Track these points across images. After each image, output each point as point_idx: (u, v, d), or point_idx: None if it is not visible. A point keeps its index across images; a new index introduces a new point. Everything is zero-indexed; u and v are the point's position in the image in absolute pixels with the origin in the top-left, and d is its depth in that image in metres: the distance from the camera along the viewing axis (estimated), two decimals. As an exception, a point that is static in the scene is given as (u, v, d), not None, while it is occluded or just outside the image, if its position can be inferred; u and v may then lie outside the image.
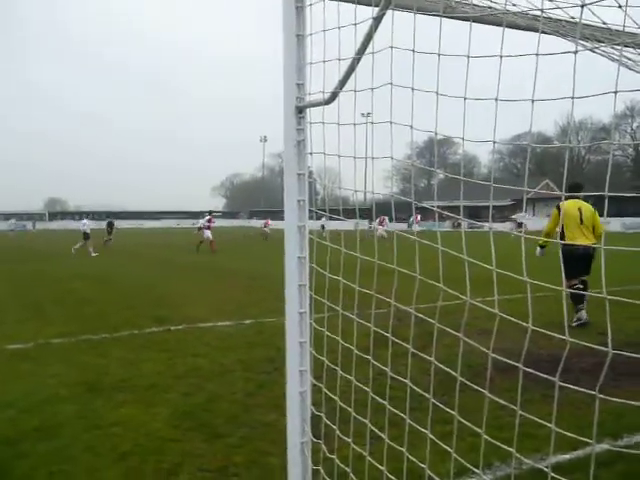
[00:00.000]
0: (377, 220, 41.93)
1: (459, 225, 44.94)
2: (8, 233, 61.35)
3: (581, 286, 10.31)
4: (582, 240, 10.19)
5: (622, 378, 6.71)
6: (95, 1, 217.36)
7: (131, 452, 5.27)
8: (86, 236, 32.93)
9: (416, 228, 41.59)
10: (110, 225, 40.94)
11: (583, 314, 10.40)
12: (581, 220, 10.46)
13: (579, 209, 10.50)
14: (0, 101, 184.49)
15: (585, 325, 10.20)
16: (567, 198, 10.75)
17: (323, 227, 39.84)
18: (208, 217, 36.00)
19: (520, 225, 49.06)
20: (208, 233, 34.63)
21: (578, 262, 10.06)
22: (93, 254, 31.41)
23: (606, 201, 1.88)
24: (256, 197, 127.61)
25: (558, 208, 10.74)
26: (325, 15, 3.04)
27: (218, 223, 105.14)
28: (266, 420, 5.93)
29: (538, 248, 10.81)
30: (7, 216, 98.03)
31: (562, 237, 10.47)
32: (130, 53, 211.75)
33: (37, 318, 12.14)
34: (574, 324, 10.35)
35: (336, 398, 3.37)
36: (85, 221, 33.80)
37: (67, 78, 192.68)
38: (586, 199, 10.76)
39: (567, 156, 2.38)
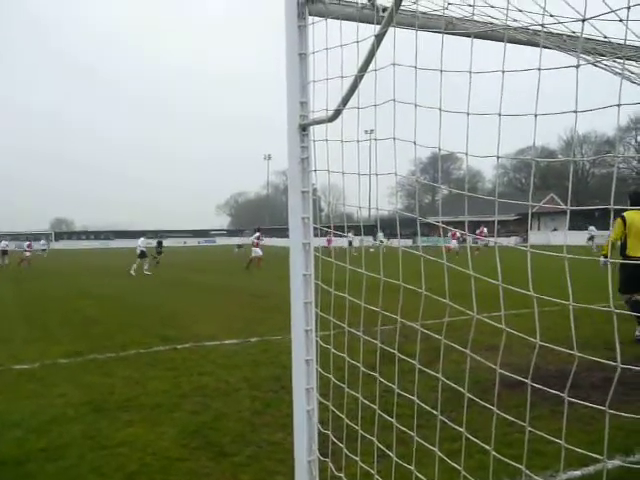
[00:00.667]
0: (450, 233, 41.83)
1: (464, 240, 44.86)
2: (40, 253, 60.52)
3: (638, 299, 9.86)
4: None
5: (632, 393, 6.65)
6: (98, 24, 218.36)
7: (138, 472, 5.25)
8: (142, 254, 32.67)
9: (454, 244, 41.12)
10: (160, 245, 40.79)
11: None
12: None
13: None
14: (3, 122, 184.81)
15: None
16: (632, 206, 10.21)
17: (350, 243, 39.33)
18: (257, 234, 34.91)
19: (592, 238, 48.70)
20: (258, 250, 33.86)
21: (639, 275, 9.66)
22: (147, 272, 31.57)
23: (612, 214, 1.87)
24: (261, 215, 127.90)
25: (622, 218, 10.12)
26: (327, 33, 3.06)
27: (222, 242, 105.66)
28: (273, 439, 5.90)
29: (602, 258, 10.52)
30: (14, 236, 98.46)
31: (624, 249, 10.06)
32: (130, 71, 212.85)
33: (44, 338, 12.14)
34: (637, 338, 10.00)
35: (343, 416, 3.35)
36: (142, 240, 33.75)
37: (72, 98, 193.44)
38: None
39: (572, 170, 2.37)
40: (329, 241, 33.42)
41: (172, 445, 5.82)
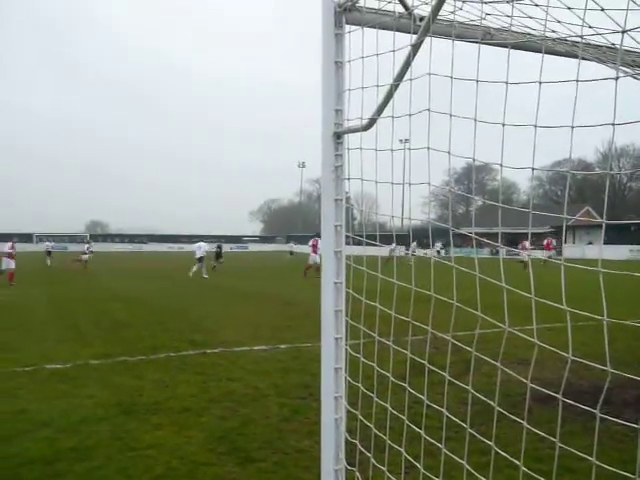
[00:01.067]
0: (520, 245, 41.14)
1: (497, 252, 44.47)
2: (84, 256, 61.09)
3: None
4: None
5: (666, 411, 6.51)
6: (127, 38, 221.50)
7: (164, 475, 5.28)
8: (201, 259, 33.08)
9: (546, 255, 40.08)
10: (220, 248, 40.91)
11: None
12: None
13: None
14: (46, 132, 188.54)
15: None
16: None
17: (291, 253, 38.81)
18: (312, 240, 33.49)
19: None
20: (315, 257, 32.06)
21: None
22: (205, 275, 31.97)
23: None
24: (293, 222, 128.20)
25: None
26: (364, 42, 3.07)
27: (254, 248, 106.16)
28: (300, 446, 5.89)
29: None
30: (49, 237, 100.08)
31: None
32: (165, 84, 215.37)
33: (76, 339, 12.30)
34: None
35: (371, 425, 3.33)
36: (201, 244, 33.87)
37: (104, 110, 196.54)
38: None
39: (607, 183, 2.34)
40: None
41: (199, 449, 5.84)
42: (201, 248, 33.53)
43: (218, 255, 39.94)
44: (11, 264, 26.43)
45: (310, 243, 34.15)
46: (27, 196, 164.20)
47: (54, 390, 8.05)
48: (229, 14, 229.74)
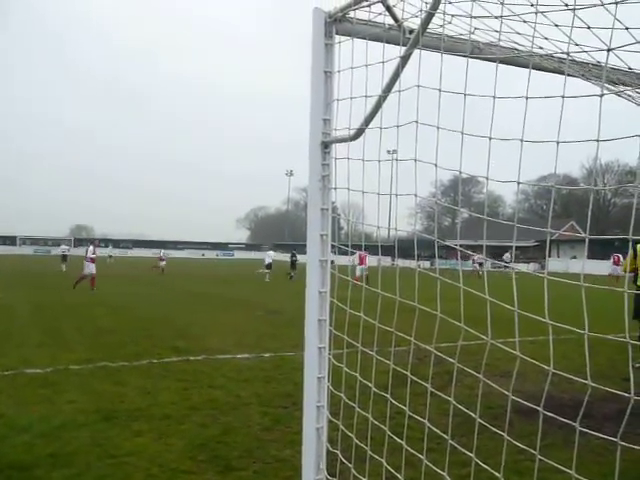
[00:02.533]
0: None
1: (482, 265, 44.75)
2: (107, 260, 60.12)
3: None
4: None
5: (646, 426, 6.55)
6: (118, 38, 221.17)
7: (144, 483, 5.24)
8: (269, 266, 36.93)
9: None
10: (294, 257, 41.09)
11: None
12: None
13: None
14: (33, 134, 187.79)
15: None
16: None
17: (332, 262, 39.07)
18: (361, 254, 32.83)
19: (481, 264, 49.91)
20: (363, 267, 31.41)
21: None
22: (267, 279, 34.90)
23: (630, 244, 1.86)
24: (280, 230, 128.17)
25: (634, 250, 10.45)
26: (353, 53, 3.09)
27: (240, 255, 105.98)
28: (281, 455, 5.87)
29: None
30: (34, 240, 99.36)
31: (636, 279, 10.44)
32: (149, 84, 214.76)
33: (56, 343, 12.20)
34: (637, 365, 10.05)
35: (352, 436, 3.33)
36: (270, 252, 36.15)
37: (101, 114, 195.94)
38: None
39: (592, 198, 2.36)
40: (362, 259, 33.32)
41: (179, 457, 5.80)
42: (270, 256, 39.08)
43: (293, 264, 40.14)
44: (92, 269, 26.33)
45: (357, 255, 34.28)
46: (7, 195, 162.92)
47: (34, 395, 7.96)
48: (227, 20, 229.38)
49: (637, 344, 1.97)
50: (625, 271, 10.58)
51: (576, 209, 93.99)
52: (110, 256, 64.65)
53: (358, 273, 32.59)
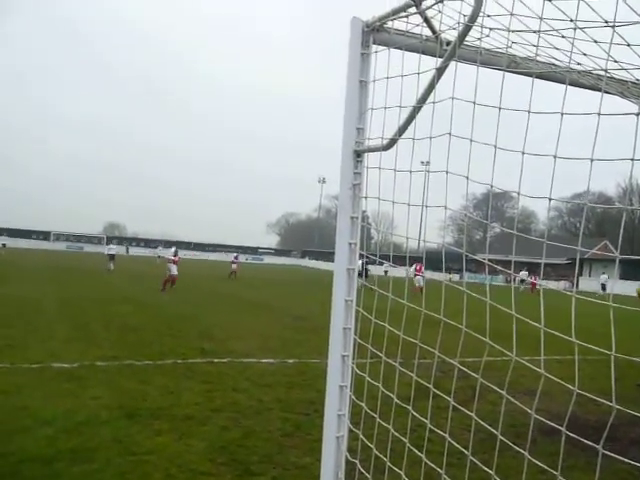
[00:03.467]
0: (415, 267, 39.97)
1: (513, 280, 44.30)
2: (156, 260, 60.04)
3: None
4: None
5: (673, 453, 6.41)
6: (165, 46, 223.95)
7: (162, 482, 5.27)
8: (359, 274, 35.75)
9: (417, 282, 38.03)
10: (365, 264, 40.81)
11: None
12: None
13: None
14: (68, 130, 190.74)
15: None
16: None
17: (386, 273, 39.54)
18: (417, 265, 32.39)
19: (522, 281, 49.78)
20: (419, 279, 31.29)
21: None
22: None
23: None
24: (310, 237, 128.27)
25: None
26: (389, 63, 3.09)
27: (269, 260, 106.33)
28: (300, 462, 5.86)
29: None
30: (67, 237, 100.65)
31: None
32: (190, 91, 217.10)
33: (84, 339, 12.35)
34: None
35: (372, 446, 3.31)
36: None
37: (135, 113, 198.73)
38: None
39: (624, 218, 2.33)
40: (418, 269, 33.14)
41: (199, 459, 5.83)
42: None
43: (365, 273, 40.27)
44: (174, 270, 27.40)
45: (414, 267, 33.85)
46: (45, 193, 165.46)
47: (59, 389, 8.07)
48: (259, 22, 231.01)
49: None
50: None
51: (610, 228, 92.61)
52: (159, 256, 62.98)
53: (418, 284, 32.49)
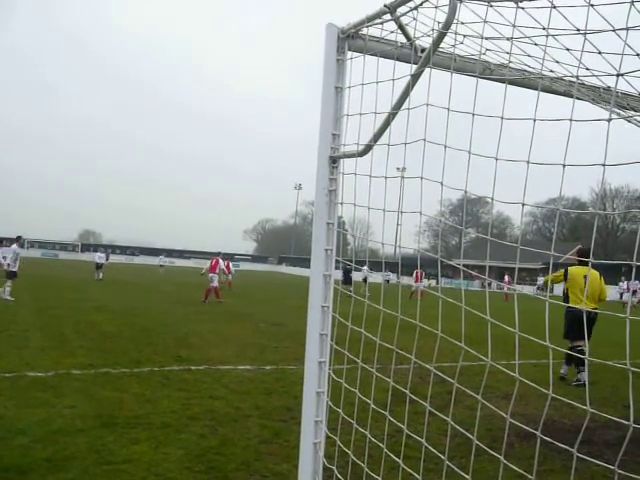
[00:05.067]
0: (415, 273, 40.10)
1: (489, 285, 44.57)
2: (158, 269, 59.63)
3: (584, 349, 10.29)
4: (584, 304, 10.33)
5: (647, 455, 6.48)
6: (167, 50, 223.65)
7: (139, 491, 5.22)
8: (365, 279, 36.58)
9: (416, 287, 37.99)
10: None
11: (584, 375, 10.49)
12: (585, 285, 10.93)
13: (584, 276, 10.96)
14: (49, 127, 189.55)
15: (583, 386, 10.19)
16: (580, 263, 11.61)
17: (365, 280, 39.76)
18: (417, 272, 32.93)
19: (634, 292, 48.96)
20: (418, 285, 33.02)
21: (580, 325, 10.16)
22: (367, 294, 33.82)
23: (634, 270, 1.85)
24: (287, 243, 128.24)
25: (566, 270, 11.39)
26: (364, 69, 3.10)
27: (246, 267, 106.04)
28: (278, 469, 5.84)
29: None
30: (42, 244, 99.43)
31: (566, 299, 11.13)
32: (181, 89, 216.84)
33: (59, 348, 12.20)
34: (574, 384, 10.45)
35: (350, 452, 3.30)
36: (365, 268, 35.61)
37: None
38: (595, 266, 11.12)
39: (596, 223, 2.36)
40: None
41: (176, 467, 5.77)
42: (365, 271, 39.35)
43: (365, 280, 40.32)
44: (215, 281, 27.65)
45: (414, 275, 35.34)
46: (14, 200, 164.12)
47: (33, 398, 7.94)
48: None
49: (639, 371, 1.96)
50: (547, 280, 11.16)
51: (584, 233, 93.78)
52: (161, 265, 62.12)
53: (413, 288, 34.23)
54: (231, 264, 30.94)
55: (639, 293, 49.18)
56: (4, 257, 22.81)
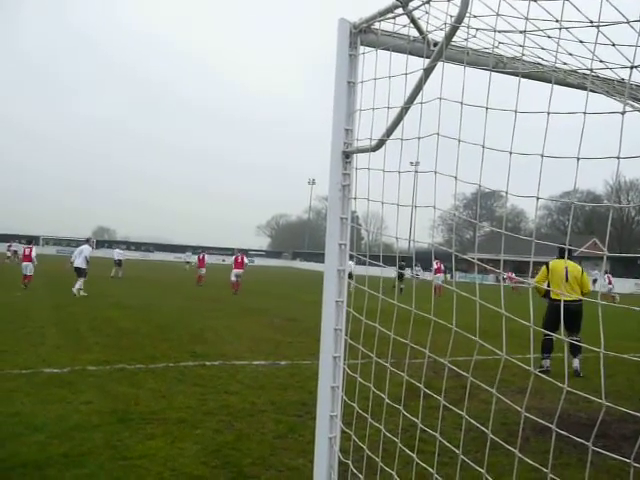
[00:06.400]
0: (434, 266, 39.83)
1: (504, 279, 44.37)
2: (185, 266, 58.51)
3: (551, 337, 10.51)
4: (565, 296, 10.71)
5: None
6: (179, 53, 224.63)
7: (155, 487, 5.25)
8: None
9: (437, 280, 37.70)
10: (402, 269, 40.20)
11: (547, 362, 10.88)
12: (566, 278, 11.17)
13: (565, 268, 11.20)
14: (63, 130, 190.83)
15: (547, 373, 10.42)
16: (560, 256, 11.92)
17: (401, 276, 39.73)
18: (437, 264, 34.74)
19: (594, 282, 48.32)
20: (438, 277, 33.62)
21: (559, 316, 10.34)
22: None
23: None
24: (300, 238, 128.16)
25: (547, 265, 11.61)
26: (377, 64, 3.10)
27: (260, 262, 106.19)
28: (293, 464, 5.85)
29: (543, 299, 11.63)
30: (56, 241, 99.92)
31: (548, 293, 11.29)
32: (185, 84, 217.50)
33: (75, 344, 12.29)
34: (537, 371, 10.26)
35: (364, 447, 3.31)
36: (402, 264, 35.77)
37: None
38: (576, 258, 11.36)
39: (611, 216, 2.35)
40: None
41: (192, 462, 5.81)
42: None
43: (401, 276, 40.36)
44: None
45: (434, 267, 35.69)
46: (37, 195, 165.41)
47: (50, 394, 8.00)
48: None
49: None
50: (539, 282, 11.53)
51: (599, 226, 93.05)
52: (187, 262, 61.14)
53: (436, 282, 33.73)
54: (246, 259, 31.64)
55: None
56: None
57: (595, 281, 51.39)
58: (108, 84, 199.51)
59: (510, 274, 49.10)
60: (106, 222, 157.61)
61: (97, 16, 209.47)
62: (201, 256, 36.56)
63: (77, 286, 23.75)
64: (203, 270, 36.10)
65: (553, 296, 11.04)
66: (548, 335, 10.46)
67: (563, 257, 11.68)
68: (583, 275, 11.39)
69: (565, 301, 10.64)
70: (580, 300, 10.45)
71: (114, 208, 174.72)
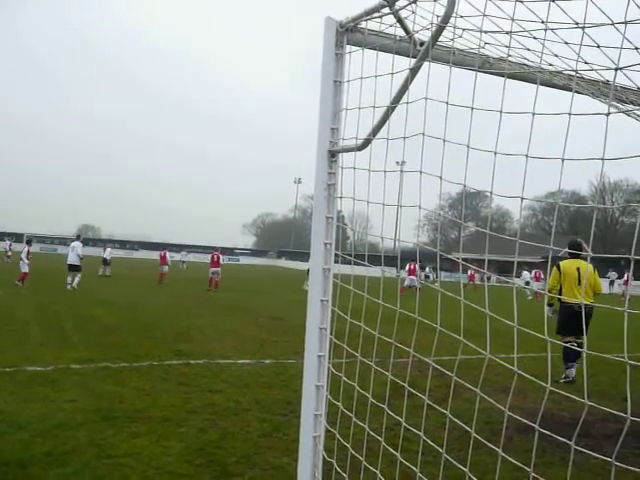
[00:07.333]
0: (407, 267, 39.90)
1: (489, 279, 44.27)
2: (179, 265, 56.83)
3: (575, 344, 10.20)
4: (579, 299, 10.08)
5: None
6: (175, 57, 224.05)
7: (140, 485, 5.23)
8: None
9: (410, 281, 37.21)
10: (422, 269, 40.62)
11: (572, 372, 10.54)
12: (579, 280, 10.67)
13: (577, 269, 10.74)
14: (56, 126, 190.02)
15: (572, 383, 10.25)
16: (571, 256, 11.09)
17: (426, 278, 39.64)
18: (411, 264, 35.25)
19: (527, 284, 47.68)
20: (411, 278, 34.70)
21: (574, 320, 10.07)
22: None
23: (631, 264, 1.86)
24: (286, 237, 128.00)
25: (558, 267, 11.02)
26: (363, 63, 3.10)
27: (245, 261, 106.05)
28: (278, 463, 5.85)
29: (546, 307, 10.78)
30: (40, 239, 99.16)
31: (559, 293, 10.82)
32: (175, 81, 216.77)
33: (59, 342, 12.21)
34: (562, 381, 10.37)
35: (349, 446, 3.31)
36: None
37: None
38: (585, 258, 10.78)
39: (595, 216, 2.36)
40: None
41: (176, 460, 5.79)
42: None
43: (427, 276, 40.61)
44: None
45: (407, 267, 36.06)
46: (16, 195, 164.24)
47: (33, 393, 7.95)
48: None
49: (637, 365, 1.96)
50: (552, 288, 11.04)
51: (583, 227, 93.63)
52: (183, 262, 59.55)
53: (406, 283, 34.71)
54: (223, 257, 31.83)
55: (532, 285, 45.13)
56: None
57: (612, 282, 51.68)
58: (107, 84, 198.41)
59: (473, 273, 48.28)
60: (90, 220, 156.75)
61: (94, 14, 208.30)
62: (163, 253, 35.80)
63: (75, 281, 25.16)
64: (165, 268, 35.41)
65: (565, 300, 10.51)
66: (569, 342, 10.24)
67: (574, 257, 11.04)
68: (595, 275, 11.01)
69: (579, 304, 10.12)
70: (592, 302, 10.17)
71: (97, 205, 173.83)
